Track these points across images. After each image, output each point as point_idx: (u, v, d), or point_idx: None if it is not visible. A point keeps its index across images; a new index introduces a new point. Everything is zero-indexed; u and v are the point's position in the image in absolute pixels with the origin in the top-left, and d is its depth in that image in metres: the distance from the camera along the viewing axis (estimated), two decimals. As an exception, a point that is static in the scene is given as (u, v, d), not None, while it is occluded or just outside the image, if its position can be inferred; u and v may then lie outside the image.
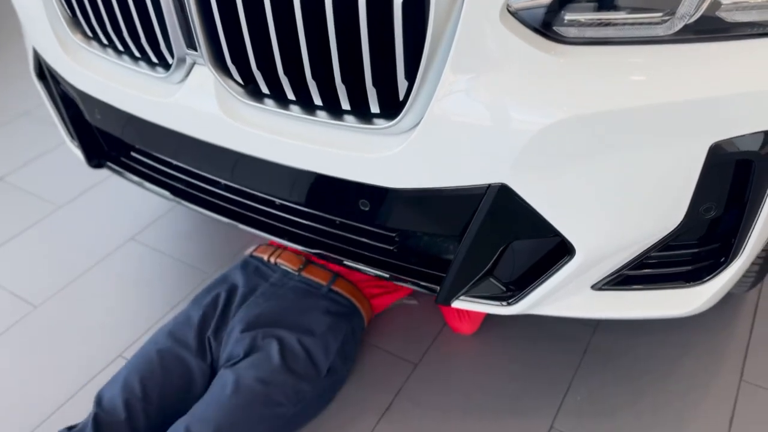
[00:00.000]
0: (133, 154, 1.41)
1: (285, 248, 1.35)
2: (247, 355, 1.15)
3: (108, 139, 1.41)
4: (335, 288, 1.28)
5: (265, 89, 0.98)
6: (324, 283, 1.29)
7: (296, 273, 1.30)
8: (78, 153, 1.48)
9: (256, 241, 1.42)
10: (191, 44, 0.99)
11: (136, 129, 1.19)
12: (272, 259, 1.33)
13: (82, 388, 1.29)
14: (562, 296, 0.99)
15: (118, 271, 1.58)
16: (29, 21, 1.28)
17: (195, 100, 1.05)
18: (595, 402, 1.23)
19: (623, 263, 0.95)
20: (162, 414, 1.12)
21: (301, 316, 1.22)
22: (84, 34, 1.21)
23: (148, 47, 1.08)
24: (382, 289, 1.36)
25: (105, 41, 1.17)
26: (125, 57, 1.15)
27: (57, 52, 1.24)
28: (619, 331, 1.37)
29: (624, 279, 0.99)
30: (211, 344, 1.21)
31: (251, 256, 1.37)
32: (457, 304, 1.04)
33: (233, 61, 0.96)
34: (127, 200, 1.81)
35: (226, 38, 0.94)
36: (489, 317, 1.37)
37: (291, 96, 0.96)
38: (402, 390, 1.25)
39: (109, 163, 1.43)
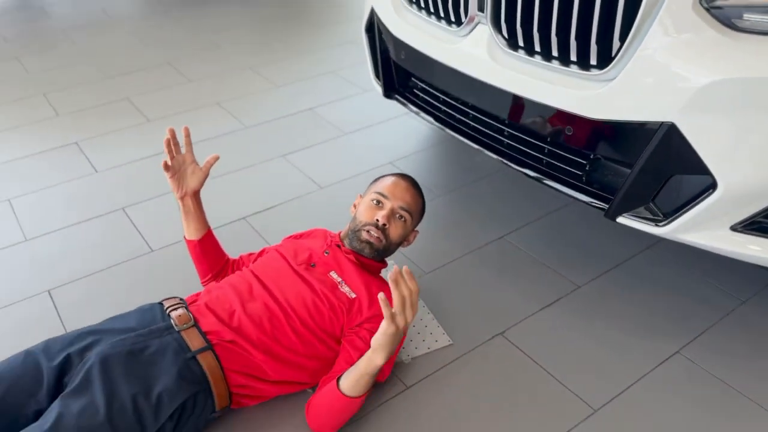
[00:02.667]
0: (415, 91, 1.99)
1: (187, 305, 1.36)
2: (80, 388, 1.14)
3: (401, 79, 2.00)
4: (199, 358, 1.24)
5: (521, 42, 1.46)
6: (192, 348, 1.25)
7: (176, 329, 1.28)
8: (378, 87, 2.10)
9: (174, 293, 1.47)
10: (481, 8, 1.51)
11: (427, 66, 1.75)
12: (168, 310, 1.33)
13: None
14: (704, 228, 1.31)
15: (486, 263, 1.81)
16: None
17: (473, 48, 1.57)
18: (720, 349, 1.49)
19: (760, 210, 1.25)
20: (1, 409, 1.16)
21: (151, 370, 1.20)
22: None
23: (451, 10, 1.62)
24: (249, 390, 1.31)
25: (423, 5, 1.75)
26: (432, 16, 1.72)
27: (388, 10, 1.86)
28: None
29: (759, 227, 1.27)
30: (73, 360, 1.21)
31: (159, 302, 1.38)
32: (620, 220, 1.41)
33: (505, 21, 1.46)
34: (499, 204, 2.03)
35: (505, 5, 1.44)
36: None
37: (537, 48, 1.42)
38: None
39: (397, 96, 2.03)
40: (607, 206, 1.42)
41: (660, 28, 1.20)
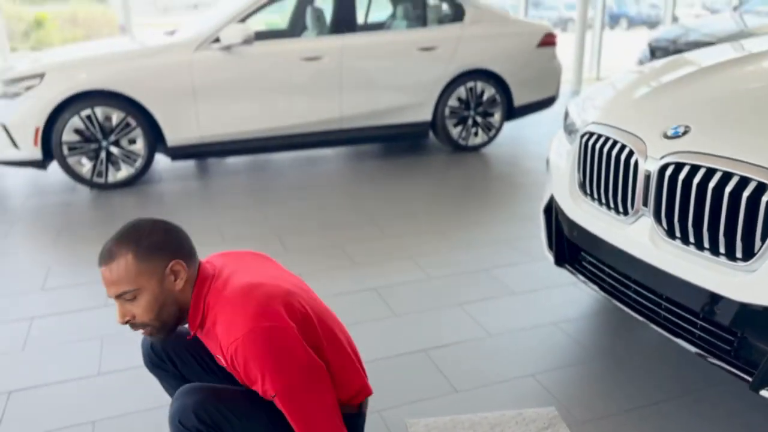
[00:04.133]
0: (584, 263, 2.36)
1: None
2: None
3: (571, 252, 2.39)
4: None
5: (677, 234, 1.80)
6: None
7: None
8: (550, 257, 2.50)
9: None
10: (645, 203, 1.90)
11: (596, 244, 2.13)
12: None
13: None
14: None
15: (529, 345, 2.49)
16: (557, 177, 2.40)
17: (637, 235, 1.94)
18: None
19: None
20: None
21: None
22: (583, 190, 2.24)
23: (620, 203, 2.03)
24: None
25: (596, 196, 2.17)
26: (603, 206, 2.13)
27: (565, 196, 2.30)
28: None
29: None
30: None
31: None
32: (763, 393, 1.61)
33: (665, 216, 1.82)
34: (557, 296, 2.75)
35: (665, 206, 1.82)
36: None
37: (691, 239, 1.76)
38: None
39: (567, 266, 2.41)
40: (751, 379, 1.64)
41: (795, 234, 1.50)
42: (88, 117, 4.21)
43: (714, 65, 2.28)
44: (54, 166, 4.70)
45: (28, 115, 4.12)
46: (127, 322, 1.34)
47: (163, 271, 1.33)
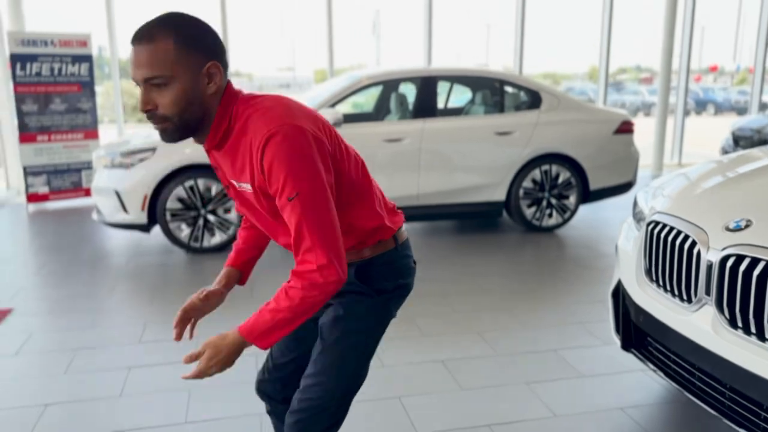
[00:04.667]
0: (650, 348, 2.39)
1: None
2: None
3: (638, 337, 2.44)
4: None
5: (739, 324, 1.85)
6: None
7: None
8: (617, 340, 2.55)
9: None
10: (707, 293, 1.96)
11: (661, 330, 2.18)
12: None
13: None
14: None
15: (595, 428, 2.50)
16: (625, 263, 2.48)
17: (700, 322, 1.99)
18: None
19: None
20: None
21: None
22: (649, 276, 2.32)
23: (684, 291, 2.09)
24: None
25: (661, 283, 2.24)
26: (668, 293, 2.19)
27: (632, 282, 2.38)
28: None
29: None
30: None
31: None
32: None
33: (727, 306, 1.88)
34: (625, 380, 2.76)
35: (727, 296, 1.88)
36: None
37: (753, 330, 1.81)
38: None
39: (633, 350, 2.45)
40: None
41: None
42: (191, 187, 4.65)
43: (781, 161, 2.35)
44: (156, 230, 5.15)
45: (139, 183, 4.61)
46: (148, 111, 1.27)
47: (199, 69, 1.27)
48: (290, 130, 1.26)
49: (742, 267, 1.83)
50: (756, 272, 1.79)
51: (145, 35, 1.23)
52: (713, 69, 28.17)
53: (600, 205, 6.50)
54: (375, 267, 1.53)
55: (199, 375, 1.34)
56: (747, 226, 1.91)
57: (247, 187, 1.36)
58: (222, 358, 1.33)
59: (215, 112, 1.33)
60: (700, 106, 22.33)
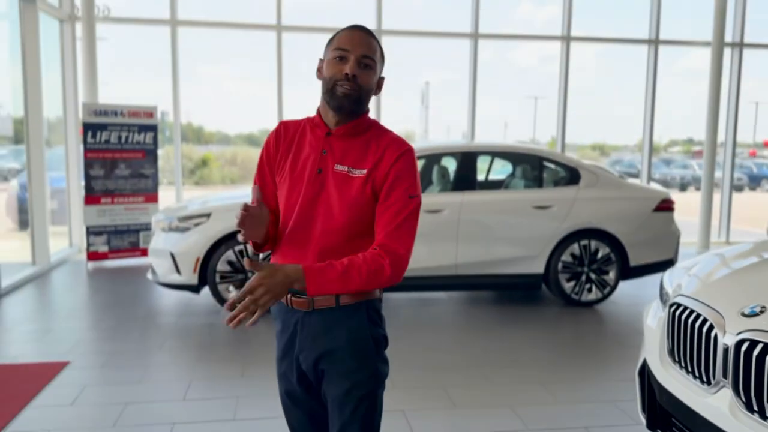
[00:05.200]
0: (674, 429, 2.42)
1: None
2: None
3: (663, 416, 2.48)
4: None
5: (755, 407, 1.90)
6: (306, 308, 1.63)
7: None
8: (643, 419, 2.59)
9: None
10: (725, 376, 2.02)
11: (682, 410, 2.23)
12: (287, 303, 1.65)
13: None
14: None
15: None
16: (650, 342, 2.55)
17: (718, 403, 2.04)
18: None
19: None
20: None
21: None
22: (672, 357, 2.38)
23: (703, 373, 2.15)
24: None
25: (683, 365, 2.30)
26: (689, 375, 2.25)
27: (656, 361, 2.44)
28: None
29: None
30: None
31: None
32: None
33: (743, 390, 1.94)
34: None
35: (742, 380, 1.94)
36: None
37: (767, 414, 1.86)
38: None
39: (658, 430, 2.48)
40: None
41: None
42: (240, 251, 4.92)
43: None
44: (205, 290, 5.42)
45: (193, 246, 4.91)
46: (354, 77, 1.56)
47: (380, 74, 1.67)
48: (413, 154, 1.65)
49: (756, 352, 1.90)
50: (768, 358, 1.85)
51: (365, 29, 1.61)
52: (767, 144, 27.71)
53: (643, 281, 6.46)
54: (378, 310, 1.72)
55: (249, 290, 1.43)
56: (762, 312, 1.98)
57: (357, 172, 1.61)
58: (277, 282, 1.45)
59: (364, 112, 1.67)
60: (754, 181, 21.89)
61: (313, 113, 1.70)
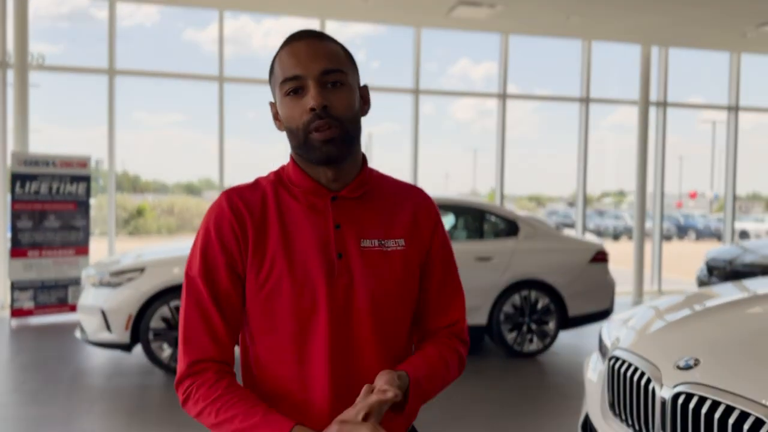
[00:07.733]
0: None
1: None
2: None
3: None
4: None
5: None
6: None
7: None
8: (586, 475, 2.57)
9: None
10: (663, 428, 2.04)
11: (624, 465, 2.23)
12: None
13: None
14: None
15: None
16: (591, 395, 2.56)
17: (658, 458, 2.05)
18: None
19: None
20: None
21: None
22: (613, 410, 2.40)
23: (643, 426, 2.17)
24: None
25: (622, 417, 2.32)
26: (630, 427, 2.26)
27: (598, 415, 2.45)
28: None
29: None
30: None
31: None
32: None
33: (681, 443, 1.96)
34: None
35: None
36: None
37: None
38: None
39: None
40: None
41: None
42: (176, 307, 4.74)
43: (730, 302, 2.51)
44: (137, 349, 5.17)
45: (125, 303, 4.69)
46: (324, 108, 1.07)
47: (358, 85, 1.17)
48: None
49: (691, 405, 1.93)
50: (703, 410, 1.88)
51: (314, 33, 1.12)
52: (693, 195, 29.29)
53: (581, 331, 6.58)
54: None
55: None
56: (696, 365, 2.03)
57: (395, 243, 1.19)
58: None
59: (360, 147, 1.19)
60: (682, 231, 22.99)
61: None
